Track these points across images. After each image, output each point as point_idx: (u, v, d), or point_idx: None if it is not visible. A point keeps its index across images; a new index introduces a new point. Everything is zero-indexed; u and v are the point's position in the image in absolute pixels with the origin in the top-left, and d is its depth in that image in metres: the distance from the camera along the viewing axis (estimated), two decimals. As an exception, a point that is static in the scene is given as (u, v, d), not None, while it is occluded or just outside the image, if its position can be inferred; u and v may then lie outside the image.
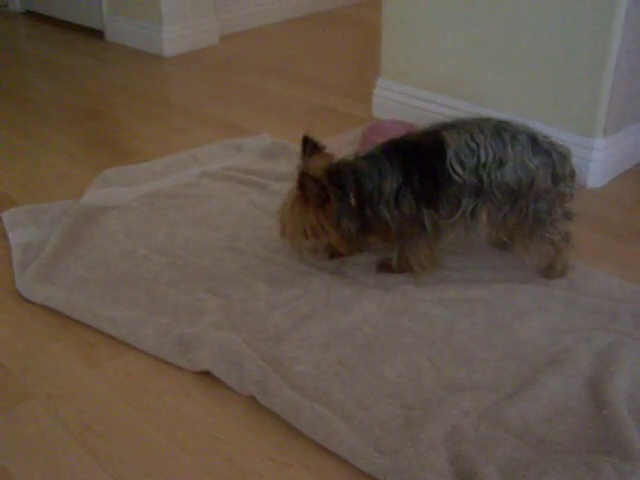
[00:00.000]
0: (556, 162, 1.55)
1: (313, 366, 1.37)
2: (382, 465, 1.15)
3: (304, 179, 1.53)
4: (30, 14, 4.16)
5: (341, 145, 2.29)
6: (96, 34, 3.73)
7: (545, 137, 1.57)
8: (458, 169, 1.52)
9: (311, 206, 1.55)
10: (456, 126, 1.56)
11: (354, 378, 1.35)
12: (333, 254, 1.70)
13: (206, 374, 1.39)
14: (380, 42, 2.56)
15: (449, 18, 2.30)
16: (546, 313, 1.53)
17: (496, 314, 1.52)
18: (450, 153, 1.52)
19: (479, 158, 1.52)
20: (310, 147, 1.62)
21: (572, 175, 1.59)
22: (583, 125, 2.08)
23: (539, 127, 1.65)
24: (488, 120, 1.58)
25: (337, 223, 1.56)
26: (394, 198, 1.54)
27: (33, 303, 1.60)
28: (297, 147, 1.64)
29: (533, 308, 1.54)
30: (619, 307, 1.53)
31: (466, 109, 2.29)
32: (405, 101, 2.53)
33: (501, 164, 1.52)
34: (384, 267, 1.68)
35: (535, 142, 1.55)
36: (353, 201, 1.54)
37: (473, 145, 1.52)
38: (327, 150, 1.63)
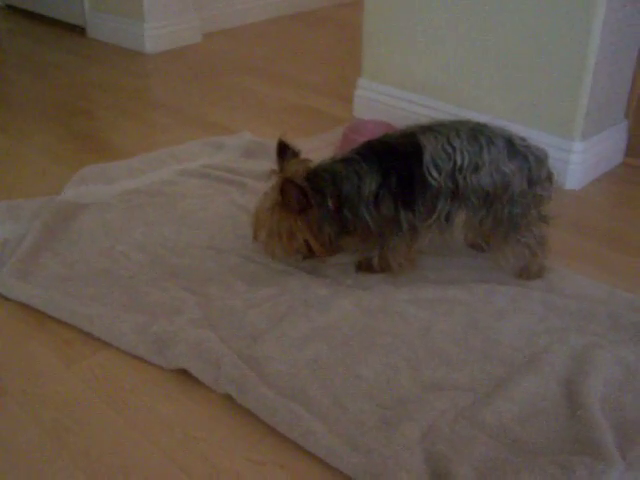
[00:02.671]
0: (532, 166, 1.55)
1: (290, 365, 1.37)
2: (358, 464, 1.15)
3: (286, 186, 1.51)
4: (11, 9, 4.13)
5: (322, 145, 2.29)
6: (77, 30, 3.71)
7: (522, 140, 1.58)
8: (434, 173, 1.52)
9: (292, 212, 1.54)
10: (433, 129, 1.56)
11: (331, 377, 1.35)
12: (306, 255, 1.66)
13: (183, 372, 1.38)
14: (361, 42, 2.57)
15: (429, 20, 2.31)
16: (523, 314, 1.54)
17: (474, 315, 1.53)
18: (427, 157, 1.52)
19: (455, 162, 1.52)
20: (285, 151, 1.60)
21: (549, 178, 1.59)
22: (562, 128, 2.10)
23: (519, 129, 1.66)
24: (465, 123, 1.58)
25: (319, 229, 1.55)
26: (374, 199, 1.54)
27: (9, 300, 1.59)
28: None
29: (510, 309, 1.55)
30: (595, 309, 1.54)
31: (446, 110, 2.31)
32: (385, 101, 2.54)
33: (477, 169, 1.52)
34: (363, 267, 1.68)
35: (512, 146, 1.55)
36: (331, 205, 1.53)
37: (449, 149, 1.52)
38: (304, 151, 1.62)
